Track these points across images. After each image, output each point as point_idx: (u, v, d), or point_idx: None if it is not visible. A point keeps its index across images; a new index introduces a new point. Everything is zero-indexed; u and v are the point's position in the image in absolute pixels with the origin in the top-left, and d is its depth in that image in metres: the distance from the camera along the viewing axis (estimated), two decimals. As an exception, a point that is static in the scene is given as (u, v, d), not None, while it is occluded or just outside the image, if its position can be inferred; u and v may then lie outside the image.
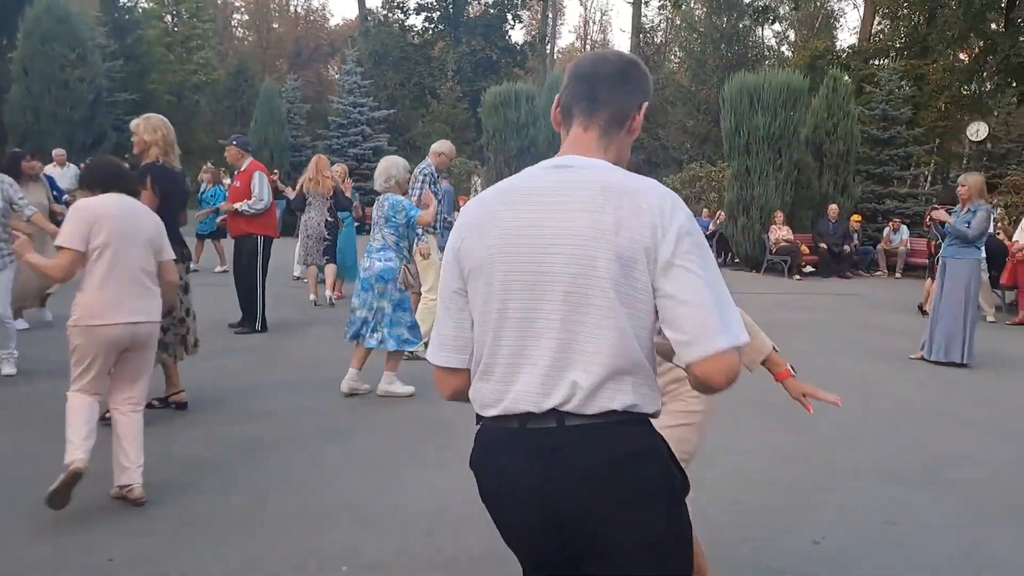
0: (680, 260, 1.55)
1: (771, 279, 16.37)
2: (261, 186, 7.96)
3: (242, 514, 3.94)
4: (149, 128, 5.42)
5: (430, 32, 41.45)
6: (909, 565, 3.61)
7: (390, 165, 6.19)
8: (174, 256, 4.40)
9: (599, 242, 1.56)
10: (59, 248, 3.93)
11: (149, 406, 4.86)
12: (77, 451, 3.72)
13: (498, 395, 1.66)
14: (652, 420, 1.66)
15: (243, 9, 57.24)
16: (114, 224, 3.98)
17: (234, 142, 8.32)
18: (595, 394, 1.58)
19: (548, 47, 44.98)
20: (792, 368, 2.60)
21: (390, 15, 41.31)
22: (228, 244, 9.52)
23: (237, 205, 8.01)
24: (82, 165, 11.77)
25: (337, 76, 32.79)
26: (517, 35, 52.62)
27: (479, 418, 1.74)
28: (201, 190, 14.90)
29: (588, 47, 50.75)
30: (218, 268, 13.71)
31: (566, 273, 1.58)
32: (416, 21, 41.72)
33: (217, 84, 38.29)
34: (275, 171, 11.60)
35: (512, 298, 1.63)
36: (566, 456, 1.59)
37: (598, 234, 1.57)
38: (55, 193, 8.95)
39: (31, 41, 22.95)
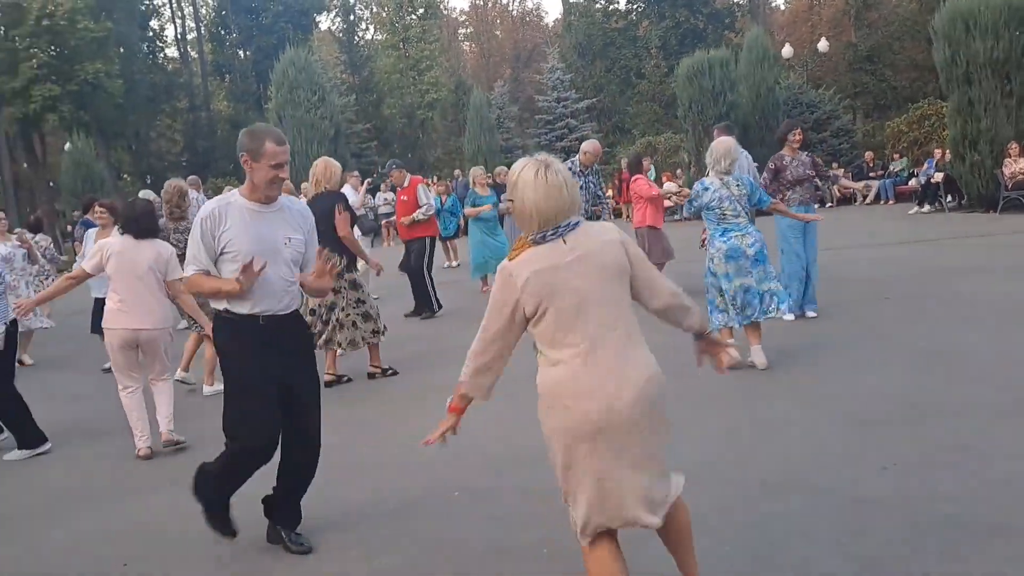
0: None
1: (1010, 218, 14.92)
2: (427, 195, 9.28)
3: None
4: (311, 172, 7.03)
5: (633, 13, 41.58)
6: None
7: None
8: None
9: None
10: None
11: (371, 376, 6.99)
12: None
13: None
14: None
15: (467, 22, 60.62)
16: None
17: (393, 167, 10.07)
18: None
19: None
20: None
21: (592, 4, 41.89)
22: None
23: (416, 215, 9.38)
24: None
25: (539, 76, 34.08)
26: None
27: None
28: (437, 202, 16.59)
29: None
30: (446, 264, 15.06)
31: None
32: (620, 3, 42.01)
33: (444, 100, 41.09)
34: (434, 179, 13.08)
35: None
36: None
37: None
38: None
39: (281, 91, 26.43)
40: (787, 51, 27.15)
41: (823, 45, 28.56)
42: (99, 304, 8.11)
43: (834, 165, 23.28)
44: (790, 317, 6.99)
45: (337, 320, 6.88)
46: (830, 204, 21.07)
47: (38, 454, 5.60)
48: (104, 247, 5.45)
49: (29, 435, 5.59)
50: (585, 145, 8.89)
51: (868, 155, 23.42)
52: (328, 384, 6.70)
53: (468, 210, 10.88)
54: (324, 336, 6.86)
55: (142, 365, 5.59)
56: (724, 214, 6.15)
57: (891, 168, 22.39)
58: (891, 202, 21.26)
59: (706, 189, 6.22)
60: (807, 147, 7.74)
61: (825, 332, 7.16)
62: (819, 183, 8.03)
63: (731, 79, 22.01)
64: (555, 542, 3.47)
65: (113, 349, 5.46)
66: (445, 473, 4.44)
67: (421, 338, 8.68)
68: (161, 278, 5.48)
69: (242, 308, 3.53)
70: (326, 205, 6.63)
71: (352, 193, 10.44)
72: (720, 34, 37.02)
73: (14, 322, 5.62)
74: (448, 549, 3.63)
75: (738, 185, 6.18)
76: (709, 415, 5.20)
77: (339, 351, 6.96)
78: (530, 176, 2.60)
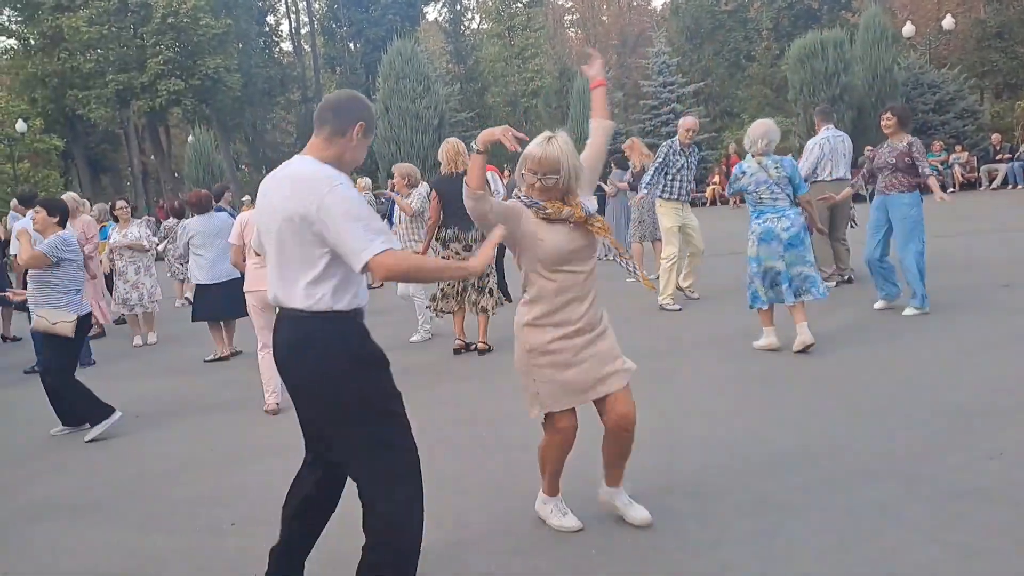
0: None
1: None
2: (495, 183, 9.23)
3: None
4: (440, 152, 7.22)
5: (745, -7, 40.46)
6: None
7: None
8: None
9: None
10: None
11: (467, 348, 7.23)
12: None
13: None
14: None
15: (573, 8, 60.32)
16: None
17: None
18: None
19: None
20: None
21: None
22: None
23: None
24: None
25: (644, 61, 33.57)
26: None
27: None
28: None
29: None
30: None
31: None
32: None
33: (548, 88, 41.07)
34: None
35: None
36: None
37: None
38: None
39: (388, 82, 27.04)
40: (908, 29, 25.87)
41: (948, 22, 27.06)
42: (200, 290, 8.31)
43: (957, 148, 22.11)
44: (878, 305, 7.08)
45: (488, 288, 7.22)
46: (952, 189, 20.05)
47: (112, 424, 5.69)
48: (241, 220, 6.11)
49: (98, 412, 5.68)
50: (680, 121, 8.66)
51: (995, 137, 22.13)
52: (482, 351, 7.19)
53: None
54: (481, 304, 7.18)
55: None
56: (761, 197, 6.12)
57: (1021, 151, 21.09)
58: (1020, 187, 20.06)
59: (743, 173, 6.21)
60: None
61: (933, 318, 6.85)
62: (922, 171, 7.11)
63: (846, 60, 21.21)
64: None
65: (254, 310, 5.92)
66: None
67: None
68: None
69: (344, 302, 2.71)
70: (455, 187, 6.85)
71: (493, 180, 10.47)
72: (836, 14, 35.54)
73: (88, 315, 5.74)
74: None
75: (776, 167, 6.09)
76: (805, 398, 5.07)
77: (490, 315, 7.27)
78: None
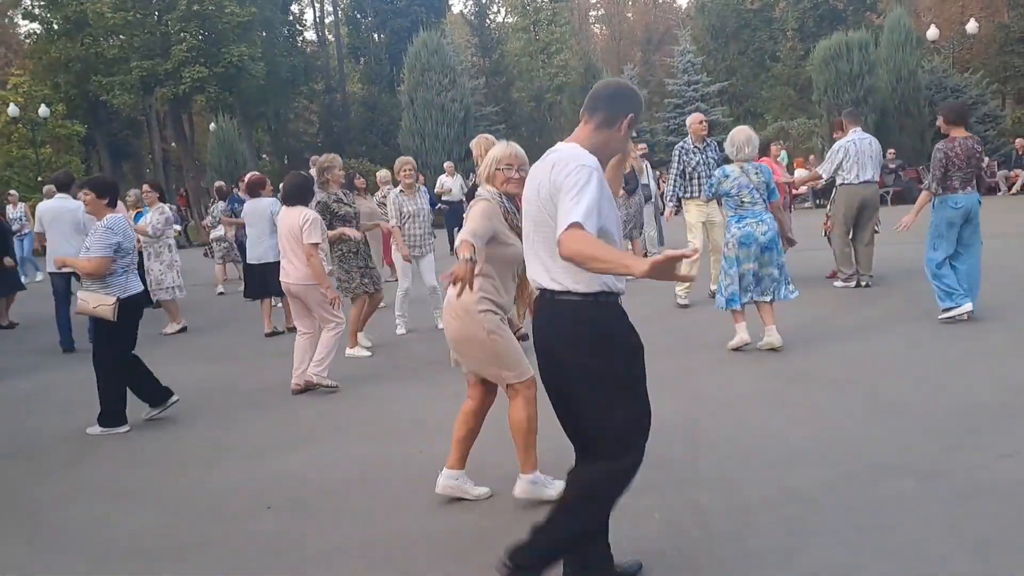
0: None
1: None
2: (449, 182, 9.39)
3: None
4: (476, 146, 7.09)
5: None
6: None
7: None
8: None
9: None
10: None
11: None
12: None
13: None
14: None
15: (598, 4, 60.24)
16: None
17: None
18: None
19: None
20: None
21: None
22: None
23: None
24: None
25: (669, 59, 33.55)
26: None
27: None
28: None
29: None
30: None
31: None
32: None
33: (573, 84, 41.03)
34: None
35: None
36: None
37: None
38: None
39: (414, 74, 27.16)
40: (932, 33, 25.77)
41: (972, 26, 26.92)
42: (251, 270, 8.83)
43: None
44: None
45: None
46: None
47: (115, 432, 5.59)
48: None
49: (115, 415, 5.61)
50: (687, 121, 8.90)
51: (1019, 142, 22.04)
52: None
53: None
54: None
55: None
56: (742, 201, 6.35)
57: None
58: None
59: (727, 176, 6.42)
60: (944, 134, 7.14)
61: (951, 322, 6.92)
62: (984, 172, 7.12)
63: (870, 62, 21.19)
64: (667, 508, 3.63)
65: (287, 297, 6.53)
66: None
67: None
68: (297, 241, 6.14)
69: (621, 283, 2.79)
70: None
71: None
72: (861, 15, 35.39)
73: (131, 297, 5.52)
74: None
75: (756, 173, 6.34)
76: (823, 396, 5.20)
77: None
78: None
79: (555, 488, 3.68)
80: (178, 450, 5.21)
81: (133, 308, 5.55)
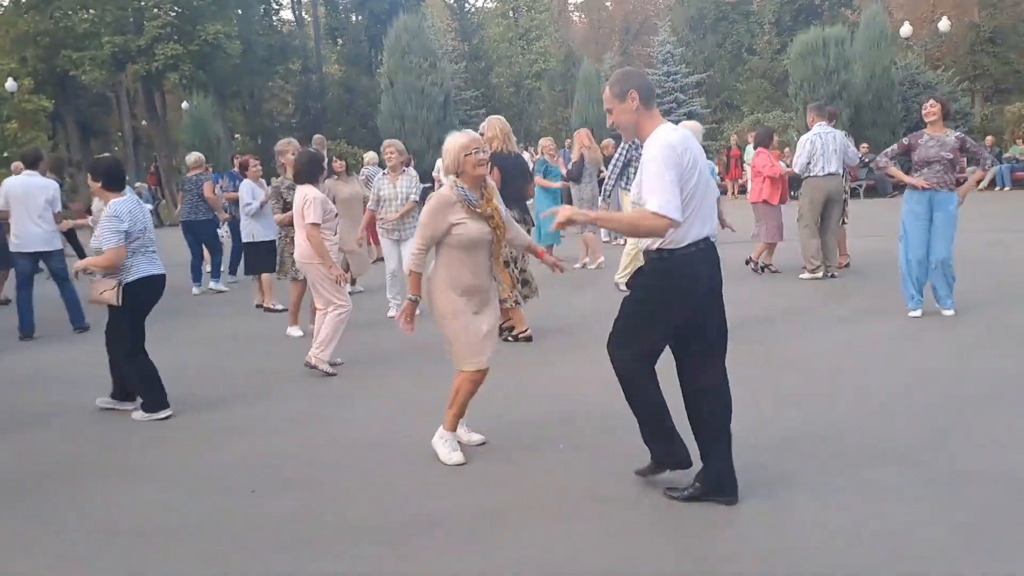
0: None
1: None
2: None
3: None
4: (490, 127, 7.13)
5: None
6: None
7: None
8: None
9: None
10: None
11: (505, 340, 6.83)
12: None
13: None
14: None
15: (578, -8, 59.98)
16: None
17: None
18: None
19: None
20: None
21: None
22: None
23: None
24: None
25: (648, 49, 33.63)
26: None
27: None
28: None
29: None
30: None
31: None
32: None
33: (553, 71, 41.00)
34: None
35: None
36: None
37: None
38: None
39: (394, 57, 26.97)
40: (906, 30, 26.13)
41: (944, 24, 27.32)
42: (249, 248, 9.18)
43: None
44: (916, 313, 7.06)
45: (523, 279, 7.23)
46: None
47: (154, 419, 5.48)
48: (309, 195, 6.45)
49: (155, 399, 5.52)
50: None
51: (989, 139, 22.53)
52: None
53: (539, 180, 10.80)
54: (524, 293, 7.19)
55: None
56: None
57: (1009, 153, 21.63)
58: (1007, 188, 20.54)
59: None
60: (917, 128, 7.21)
61: (935, 316, 7.12)
62: (983, 163, 7.24)
63: (846, 58, 21.46)
64: (655, 493, 3.76)
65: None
66: (557, 430, 4.77)
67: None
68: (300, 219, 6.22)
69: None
70: (514, 165, 7.00)
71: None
72: (836, 11, 35.75)
73: (139, 280, 5.30)
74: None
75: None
76: (813, 384, 5.38)
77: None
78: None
79: (448, 449, 4.27)
80: (188, 429, 5.23)
81: (141, 291, 5.30)
